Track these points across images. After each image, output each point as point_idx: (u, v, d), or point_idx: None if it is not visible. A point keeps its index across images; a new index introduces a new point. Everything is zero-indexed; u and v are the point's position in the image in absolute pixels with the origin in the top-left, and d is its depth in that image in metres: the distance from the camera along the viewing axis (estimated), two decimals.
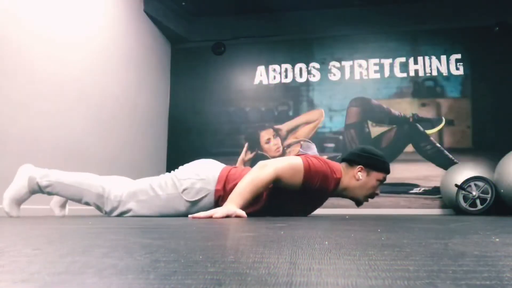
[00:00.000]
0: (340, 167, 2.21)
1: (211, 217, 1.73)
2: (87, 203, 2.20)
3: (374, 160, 2.20)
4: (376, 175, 2.20)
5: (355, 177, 2.18)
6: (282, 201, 2.14)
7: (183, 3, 5.14)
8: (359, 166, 2.18)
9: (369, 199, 2.27)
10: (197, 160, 2.30)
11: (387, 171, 2.24)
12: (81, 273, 0.37)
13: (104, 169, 3.74)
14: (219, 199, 2.10)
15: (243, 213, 1.82)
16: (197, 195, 2.10)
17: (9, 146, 2.67)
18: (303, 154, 2.17)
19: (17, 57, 2.76)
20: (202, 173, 2.15)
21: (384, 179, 2.23)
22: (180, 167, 2.25)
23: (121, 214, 2.17)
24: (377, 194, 2.26)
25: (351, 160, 2.22)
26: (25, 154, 2.78)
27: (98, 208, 2.20)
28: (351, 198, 2.26)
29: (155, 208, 2.13)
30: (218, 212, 1.75)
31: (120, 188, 2.17)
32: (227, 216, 1.76)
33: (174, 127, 5.58)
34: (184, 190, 2.11)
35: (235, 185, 2.03)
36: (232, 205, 1.84)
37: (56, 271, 0.38)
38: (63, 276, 0.36)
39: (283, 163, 2.00)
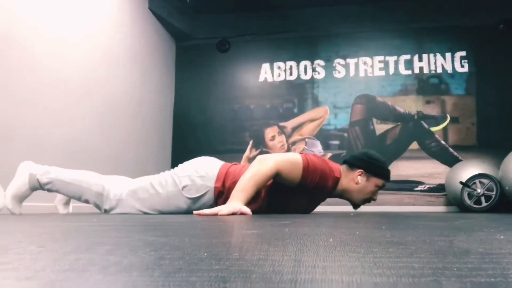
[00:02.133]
0: (340, 167, 2.21)
1: (216, 214, 1.73)
2: (86, 201, 2.21)
3: (375, 166, 2.19)
4: (375, 181, 2.19)
5: (354, 180, 2.18)
6: (280, 199, 2.14)
7: (188, 1, 5.14)
8: (359, 170, 2.18)
9: (366, 203, 2.27)
10: (196, 157, 2.30)
11: (387, 178, 2.23)
12: (86, 271, 0.37)
13: (109, 167, 3.75)
14: (219, 196, 2.10)
15: (248, 210, 1.82)
16: (197, 192, 2.10)
17: (14, 143, 2.68)
18: (302, 153, 2.17)
19: (22, 55, 2.77)
20: (201, 170, 2.14)
21: (383, 185, 2.22)
22: (180, 165, 2.25)
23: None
24: (374, 199, 2.25)
25: (352, 163, 2.21)
26: (30, 151, 2.79)
27: (97, 206, 2.20)
28: (348, 200, 2.26)
29: (156, 206, 2.13)
30: (223, 209, 1.75)
31: (119, 187, 2.17)
32: (233, 214, 1.76)
33: (179, 124, 5.59)
34: (184, 187, 2.10)
35: (234, 182, 2.03)
36: (237, 202, 1.84)
37: (60, 268, 0.38)
38: (68, 273, 0.36)
39: (282, 158, 2.01)
